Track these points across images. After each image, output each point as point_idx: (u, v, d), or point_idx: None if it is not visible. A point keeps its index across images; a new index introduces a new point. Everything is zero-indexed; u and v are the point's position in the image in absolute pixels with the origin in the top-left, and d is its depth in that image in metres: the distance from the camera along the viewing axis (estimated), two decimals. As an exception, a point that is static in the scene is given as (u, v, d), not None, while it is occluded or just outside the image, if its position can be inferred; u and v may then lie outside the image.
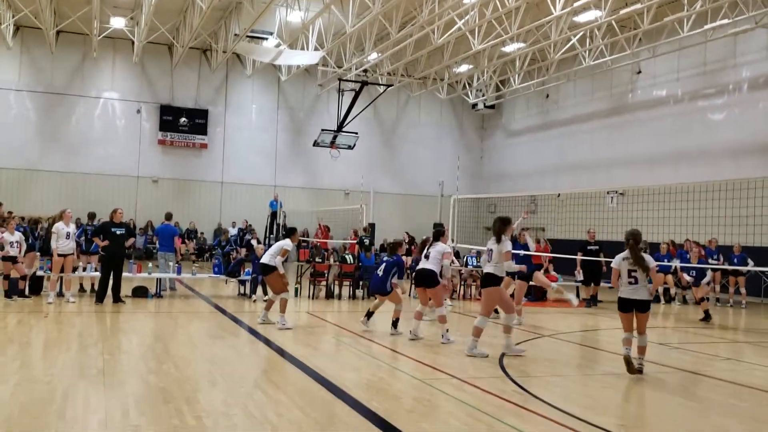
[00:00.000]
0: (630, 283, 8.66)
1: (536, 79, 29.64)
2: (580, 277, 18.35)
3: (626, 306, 8.69)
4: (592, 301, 17.72)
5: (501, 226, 9.53)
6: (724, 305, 19.33)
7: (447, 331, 10.66)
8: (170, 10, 26.40)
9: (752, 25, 20.34)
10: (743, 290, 19.22)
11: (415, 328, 10.85)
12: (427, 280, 10.82)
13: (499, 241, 9.47)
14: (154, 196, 31.01)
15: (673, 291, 19.36)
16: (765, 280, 20.91)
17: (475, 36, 23.13)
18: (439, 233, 11.25)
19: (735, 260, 18.83)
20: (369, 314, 11.68)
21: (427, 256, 10.89)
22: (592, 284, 17.96)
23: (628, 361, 8.47)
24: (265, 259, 11.86)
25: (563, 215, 22.33)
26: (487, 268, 9.53)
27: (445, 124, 36.51)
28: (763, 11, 19.74)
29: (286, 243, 11.91)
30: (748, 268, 18.19)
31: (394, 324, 11.32)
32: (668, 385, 8.38)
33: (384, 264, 11.46)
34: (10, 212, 20.26)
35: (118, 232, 14.05)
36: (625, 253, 8.74)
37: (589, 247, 18.00)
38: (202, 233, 30.77)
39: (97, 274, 14.53)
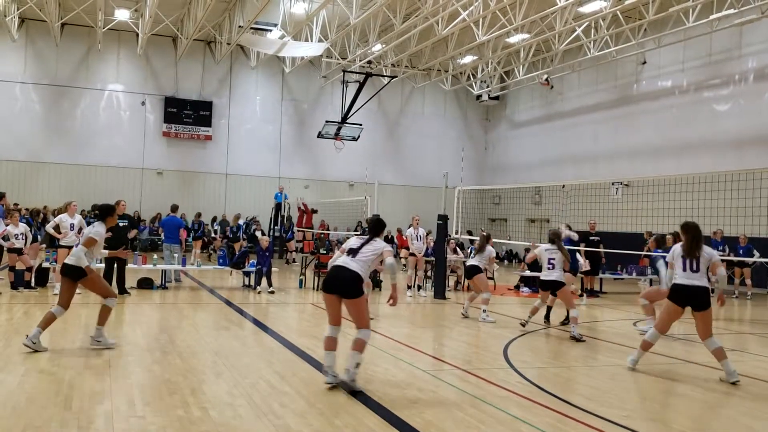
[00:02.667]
0: (549, 268, 11.33)
1: (541, 70, 29.53)
2: (586, 267, 18.33)
3: (545, 285, 11.43)
4: (591, 293, 17.72)
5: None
6: (729, 296, 19.31)
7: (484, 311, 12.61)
8: (174, 2, 26.38)
9: (758, 15, 20.23)
10: (749, 281, 19.22)
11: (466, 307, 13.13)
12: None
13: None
14: (159, 188, 31.07)
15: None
16: (770, 272, 20.88)
17: (479, 27, 23.07)
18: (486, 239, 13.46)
19: (741, 251, 18.81)
20: None
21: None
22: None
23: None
24: (69, 260, 8.59)
25: (568, 206, 22.29)
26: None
27: (450, 116, 36.46)
28: (769, 1, 19.66)
29: (94, 230, 8.65)
30: (754, 259, 18.17)
31: None
32: (672, 376, 8.39)
33: None
34: (15, 204, 20.36)
35: (120, 224, 14.09)
36: (549, 245, 11.48)
37: (590, 238, 17.99)
38: (206, 224, 30.71)
39: (102, 265, 14.59)
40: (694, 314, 8.15)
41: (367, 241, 7.25)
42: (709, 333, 8.11)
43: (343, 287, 6.97)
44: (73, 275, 8.52)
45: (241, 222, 30.59)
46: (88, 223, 15.69)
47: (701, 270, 8.16)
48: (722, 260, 18.82)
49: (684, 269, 8.19)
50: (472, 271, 13.29)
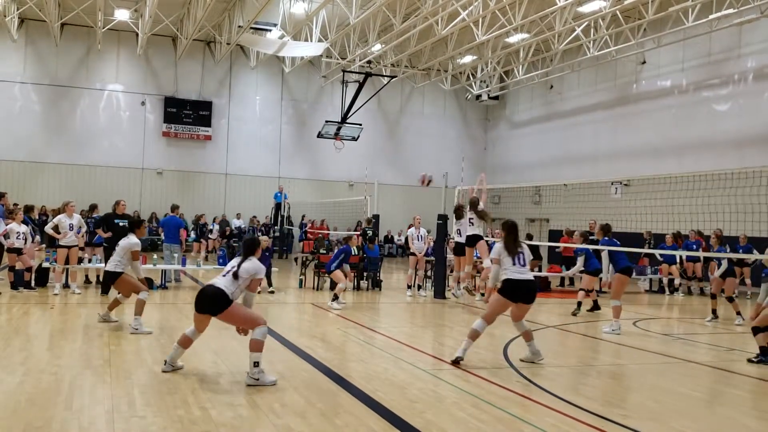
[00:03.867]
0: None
1: (540, 70, 29.56)
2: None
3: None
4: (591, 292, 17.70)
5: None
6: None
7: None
8: (174, 2, 26.37)
9: (757, 14, 20.22)
10: (748, 281, 19.22)
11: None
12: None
13: None
14: (159, 188, 31.07)
15: (677, 282, 19.34)
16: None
17: (478, 27, 23.06)
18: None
19: (740, 251, 18.80)
20: (334, 297, 13.56)
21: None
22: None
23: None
24: (109, 267, 10.27)
25: (567, 206, 22.28)
26: None
27: (449, 116, 36.47)
28: (769, 1, 19.65)
29: (134, 242, 10.12)
30: (754, 256, 18.12)
31: (335, 298, 13.49)
32: (672, 375, 8.39)
33: (336, 251, 14.56)
34: (15, 204, 20.37)
35: (121, 224, 14.10)
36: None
37: (590, 238, 17.99)
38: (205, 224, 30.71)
39: (102, 265, 14.59)
40: (520, 306, 8.40)
41: (242, 261, 7.32)
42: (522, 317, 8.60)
43: (207, 305, 7.22)
44: (112, 278, 10.09)
45: (239, 222, 30.71)
46: (87, 224, 15.81)
47: (527, 265, 8.50)
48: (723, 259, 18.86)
49: (513, 264, 8.40)
50: (475, 240, 14.12)
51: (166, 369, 7.38)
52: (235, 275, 7.20)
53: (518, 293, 8.33)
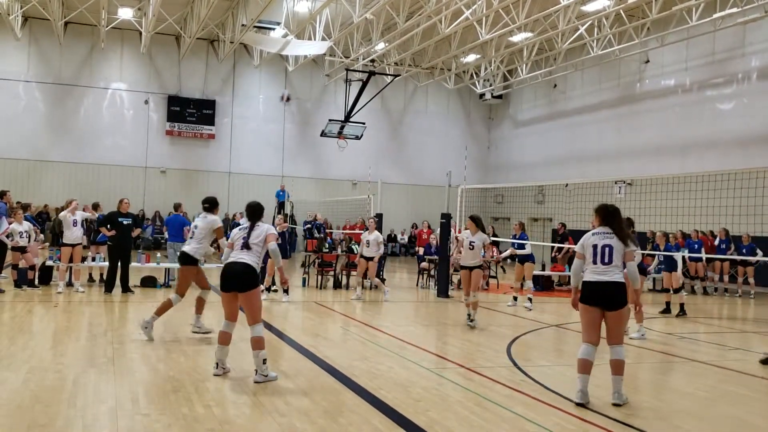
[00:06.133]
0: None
1: (544, 69, 29.53)
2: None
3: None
4: None
5: None
6: (733, 295, 19.30)
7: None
8: (178, 1, 26.37)
9: (762, 13, 20.18)
10: (752, 280, 19.19)
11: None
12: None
13: None
14: (162, 186, 31.10)
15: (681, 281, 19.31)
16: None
17: (482, 26, 23.04)
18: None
19: (744, 250, 18.80)
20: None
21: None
22: None
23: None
24: (188, 249, 9.52)
25: (571, 205, 22.25)
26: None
27: (453, 114, 36.45)
28: (773, 0, 19.60)
29: (214, 218, 9.84)
30: (757, 258, 18.12)
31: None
32: (676, 374, 8.38)
33: None
34: (18, 202, 20.36)
35: (124, 222, 14.12)
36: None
37: None
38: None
39: (106, 264, 14.61)
40: (605, 315, 6.76)
41: (252, 229, 7.39)
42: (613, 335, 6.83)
43: (237, 281, 7.22)
44: (186, 260, 9.42)
45: (242, 221, 30.69)
46: (91, 222, 15.83)
47: (614, 262, 6.75)
48: (724, 259, 18.90)
49: (594, 263, 6.82)
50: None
51: (217, 372, 7.20)
52: (247, 245, 7.26)
53: (593, 297, 6.75)
